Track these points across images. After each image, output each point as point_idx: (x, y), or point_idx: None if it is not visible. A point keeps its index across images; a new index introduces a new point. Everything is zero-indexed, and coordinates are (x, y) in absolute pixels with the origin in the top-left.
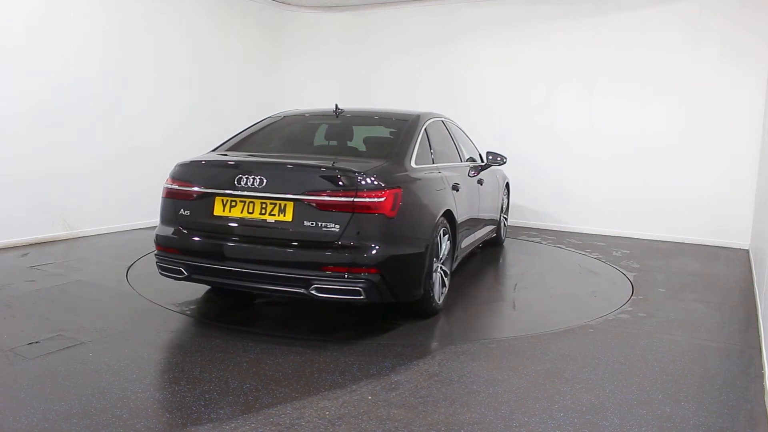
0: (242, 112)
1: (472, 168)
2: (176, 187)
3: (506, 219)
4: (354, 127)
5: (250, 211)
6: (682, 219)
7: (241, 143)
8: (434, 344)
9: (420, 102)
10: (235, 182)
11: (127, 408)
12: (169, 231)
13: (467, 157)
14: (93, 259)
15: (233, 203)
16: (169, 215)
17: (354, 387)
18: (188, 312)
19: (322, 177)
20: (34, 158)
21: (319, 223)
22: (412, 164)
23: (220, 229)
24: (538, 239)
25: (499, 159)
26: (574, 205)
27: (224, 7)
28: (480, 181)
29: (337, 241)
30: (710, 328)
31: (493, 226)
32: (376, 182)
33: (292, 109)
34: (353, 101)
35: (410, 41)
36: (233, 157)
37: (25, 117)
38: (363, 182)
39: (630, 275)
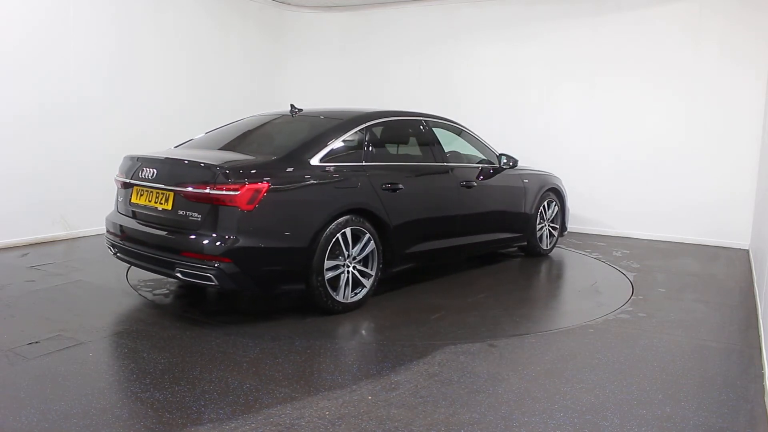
0: (243, 111)
1: (466, 169)
2: (117, 178)
3: (552, 228)
4: (297, 127)
5: (149, 199)
6: (682, 219)
7: (193, 141)
8: (434, 344)
9: (420, 102)
10: (140, 174)
11: (127, 408)
12: (111, 215)
13: (479, 159)
14: (93, 259)
15: (142, 192)
16: (114, 202)
17: (354, 387)
18: (188, 312)
19: (191, 171)
20: (35, 158)
21: (187, 213)
22: (314, 161)
23: (133, 214)
24: None
25: (511, 163)
26: (574, 205)
27: (224, 7)
28: (467, 185)
29: (198, 229)
30: (710, 328)
31: (514, 234)
32: (233, 177)
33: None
34: (353, 101)
35: (410, 41)
36: (145, 153)
37: (25, 117)
38: (220, 176)
39: (630, 275)
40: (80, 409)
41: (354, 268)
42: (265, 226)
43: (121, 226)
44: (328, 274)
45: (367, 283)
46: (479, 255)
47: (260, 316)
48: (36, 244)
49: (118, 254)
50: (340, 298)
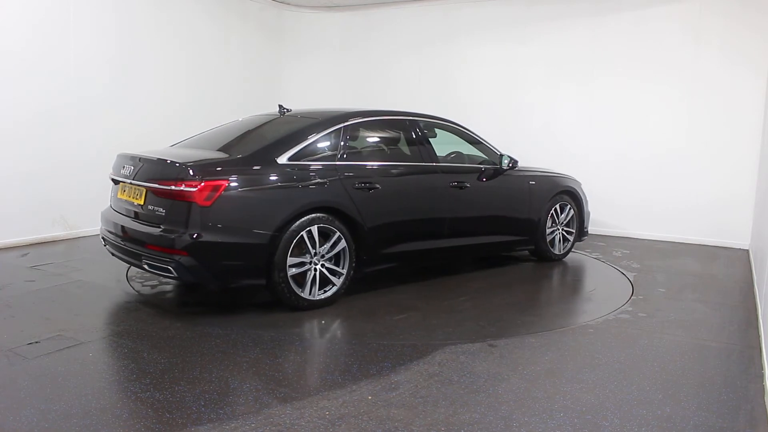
0: (242, 112)
1: (459, 170)
2: (110, 175)
3: (567, 233)
4: (279, 127)
5: (129, 195)
6: (682, 219)
7: (186, 141)
8: (434, 344)
9: (420, 102)
10: (121, 171)
11: (127, 408)
12: (105, 210)
13: (480, 160)
14: (93, 259)
15: (124, 189)
16: (109, 198)
17: (354, 387)
18: (188, 312)
19: (159, 168)
20: (35, 158)
21: (155, 208)
22: (282, 160)
23: (118, 209)
24: None
25: (511, 164)
26: None
27: (224, 7)
28: (459, 185)
29: (162, 224)
30: (710, 328)
31: (517, 237)
32: (192, 174)
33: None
34: (352, 101)
35: (410, 41)
36: (132, 151)
37: (26, 117)
38: (181, 173)
39: (630, 275)
40: (80, 409)
41: (323, 266)
42: (223, 222)
43: (110, 220)
44: (293, 271)
45: (338, 281)
46: (481, 257)
47: (260, 316)
48: (36, 244)
49: (107, 246)
50: (305, 295)
